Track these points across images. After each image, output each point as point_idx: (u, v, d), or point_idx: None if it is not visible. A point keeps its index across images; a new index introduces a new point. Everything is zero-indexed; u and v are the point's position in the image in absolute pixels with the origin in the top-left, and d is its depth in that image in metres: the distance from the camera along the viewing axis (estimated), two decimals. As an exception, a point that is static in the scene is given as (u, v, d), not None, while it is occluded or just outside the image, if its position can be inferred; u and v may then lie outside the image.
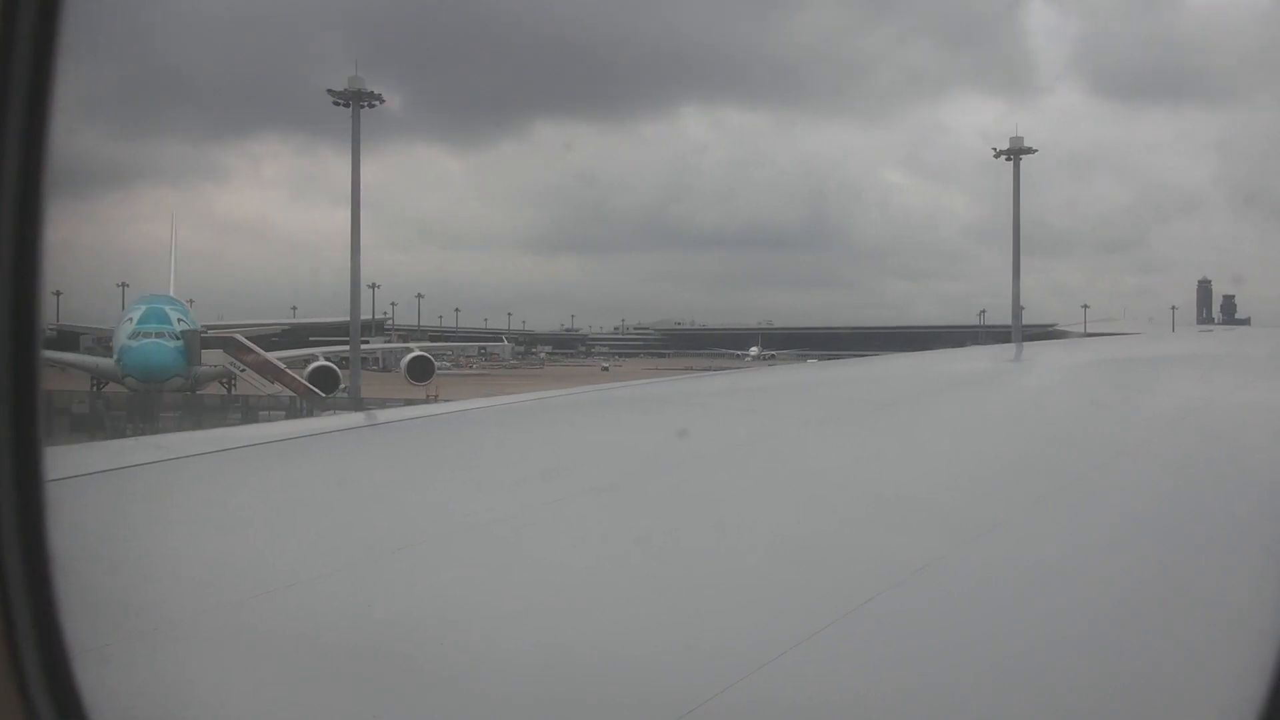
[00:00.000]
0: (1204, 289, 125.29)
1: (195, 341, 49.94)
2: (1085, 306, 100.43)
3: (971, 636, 2.10)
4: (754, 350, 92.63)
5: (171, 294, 70.37)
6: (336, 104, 53.54)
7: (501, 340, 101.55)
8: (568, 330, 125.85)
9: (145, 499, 3.13)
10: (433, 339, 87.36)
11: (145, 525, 2.79)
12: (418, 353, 58.90)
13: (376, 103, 53.12)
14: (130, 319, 48.56)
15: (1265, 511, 2.62)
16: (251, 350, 53.27)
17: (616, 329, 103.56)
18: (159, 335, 46.98)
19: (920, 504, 3.09)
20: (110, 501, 3.01)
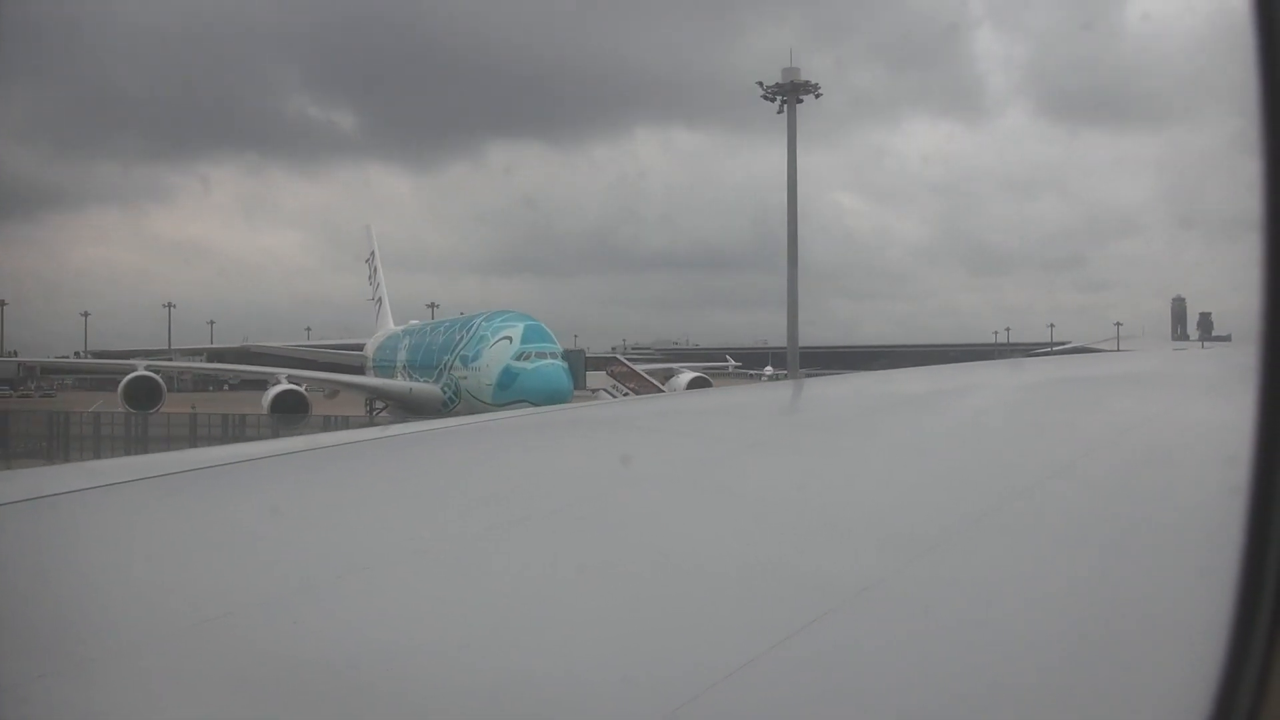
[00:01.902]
0: (1178, 306, 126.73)
1: (581, 363, 46.79)
2: (1119, 324, 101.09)
3: (914, 656, 2.12)
4: (769, 370, 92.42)
5: (378, 301, 71.91)
6: (767, 98, 51.12)
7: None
8: (571, 352, 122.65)
9: (71, 528, 3.04)
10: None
11: (71, 556, 2.71)
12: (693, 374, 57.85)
13: (817, 95, 51.31)
14: (504, 337, 42.12)
15: (1208, 522, 2.69)
16: (635, 373, 50.88)
17: (615, 349, 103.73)
18: (551, 356, 41.51)
19: (861, 525, 3.11)
20: (31, 531, 2.92)
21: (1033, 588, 2.51)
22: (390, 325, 67.27)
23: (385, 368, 58.20)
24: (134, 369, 51.56)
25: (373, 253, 75.79)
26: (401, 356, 55.37)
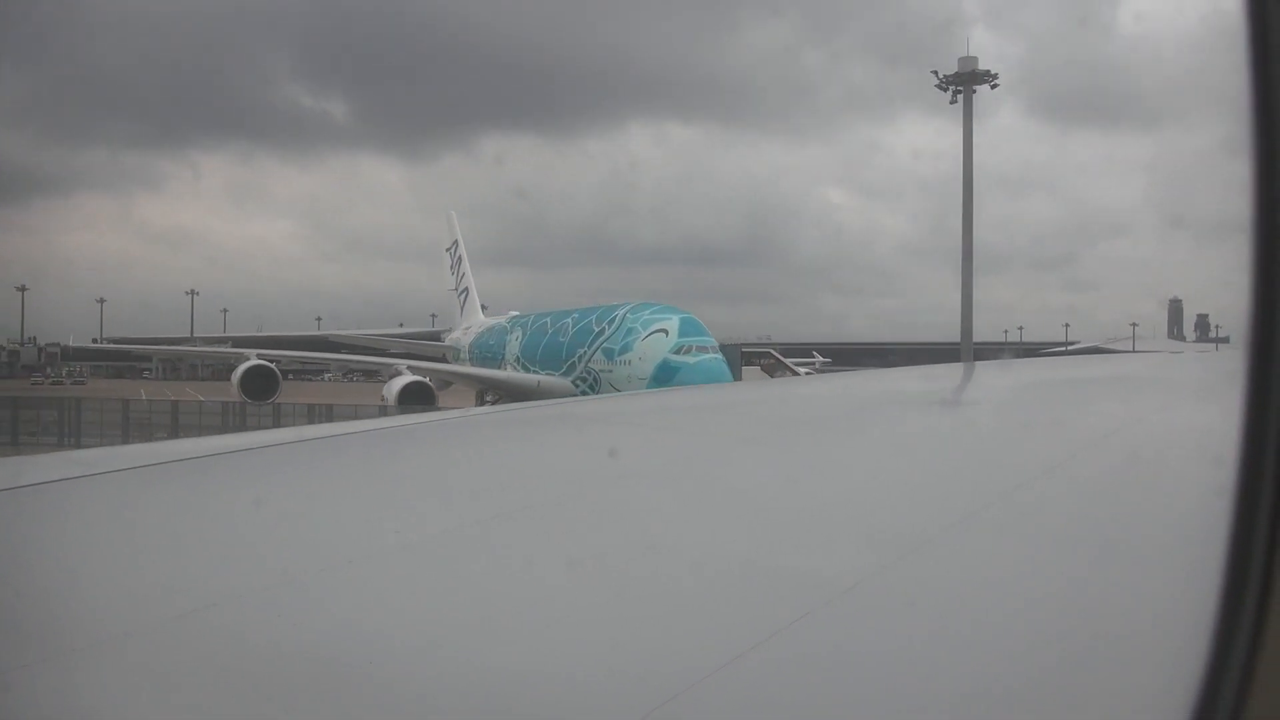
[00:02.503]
0: (1175, 307, 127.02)
1: (738, 358, 44.70)
2: (1134, 325, 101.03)
3: (901, 654, 2.12)
4: (818, 360, 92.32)
5: (464, 291, 69.80)
6: (941, 87, 49.59)
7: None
8: (726, 346, 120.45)
9: (57, 517, 3.02)
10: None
11: (54, 546, 2.69)
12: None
13: (993, 85, 49.87)
14: (659, 330, 39.75)
15: (1194, 523, 2.70)
16: (788, 367, 49.70)
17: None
18: (710, 350, 39.02)
19: (849, 523, 3.11)
20: (13, 520, 2.90)
21: (1020, 587, 2.52)
22: (481, 316, 65.67)
23: (488, 359, 56.38)
24: (247, 358, 50.04)
25: (455, 242, 72.46)
26: (513, 349, 53.31)
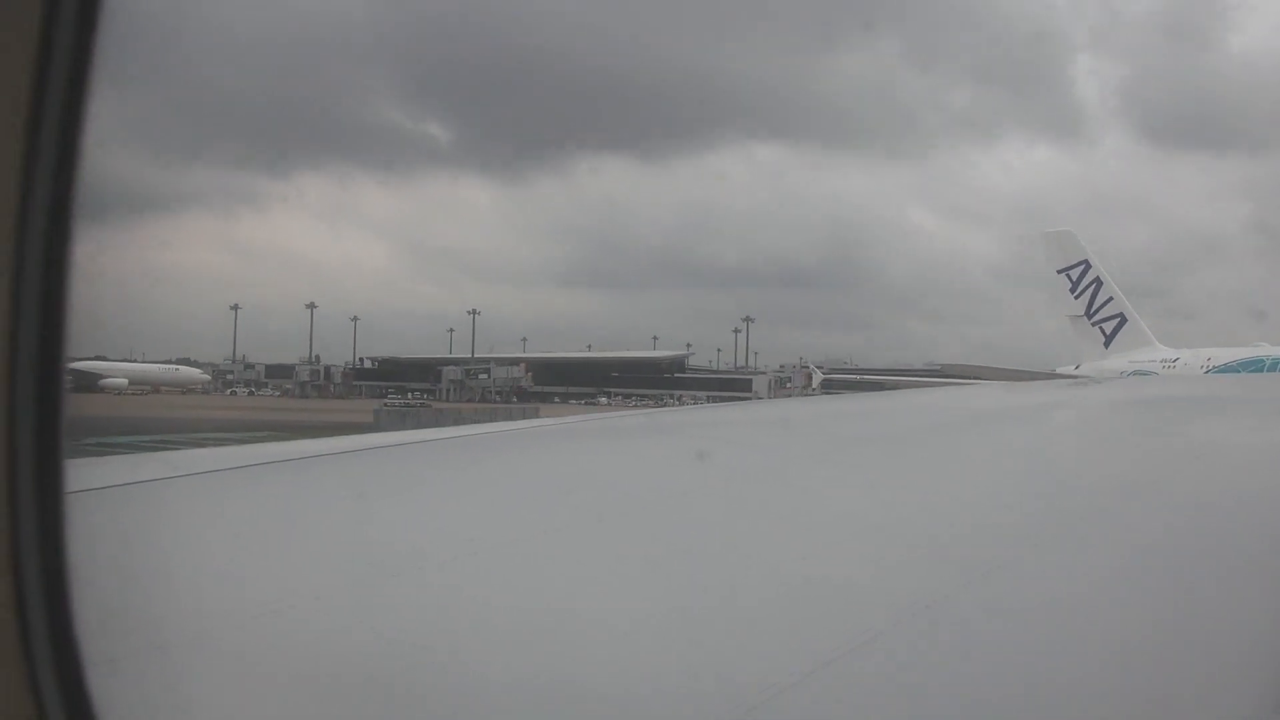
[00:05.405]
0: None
1: None
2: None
3: (976, 674, 2.11)
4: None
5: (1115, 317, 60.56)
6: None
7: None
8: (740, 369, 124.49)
9: (162, 513, 3.16)
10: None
11: (160, 539, 2.82)
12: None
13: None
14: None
15: (1273, 549, 2.62)
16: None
17: (784, 366, 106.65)
18: None
19: (927, 541, 3.08)
20: (127, 515, 3.05)
21: (1096, 608, 2.48)
22: (1157, 345, 58.00)
23: None
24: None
25: (1083, 262, 61.58)
26: None
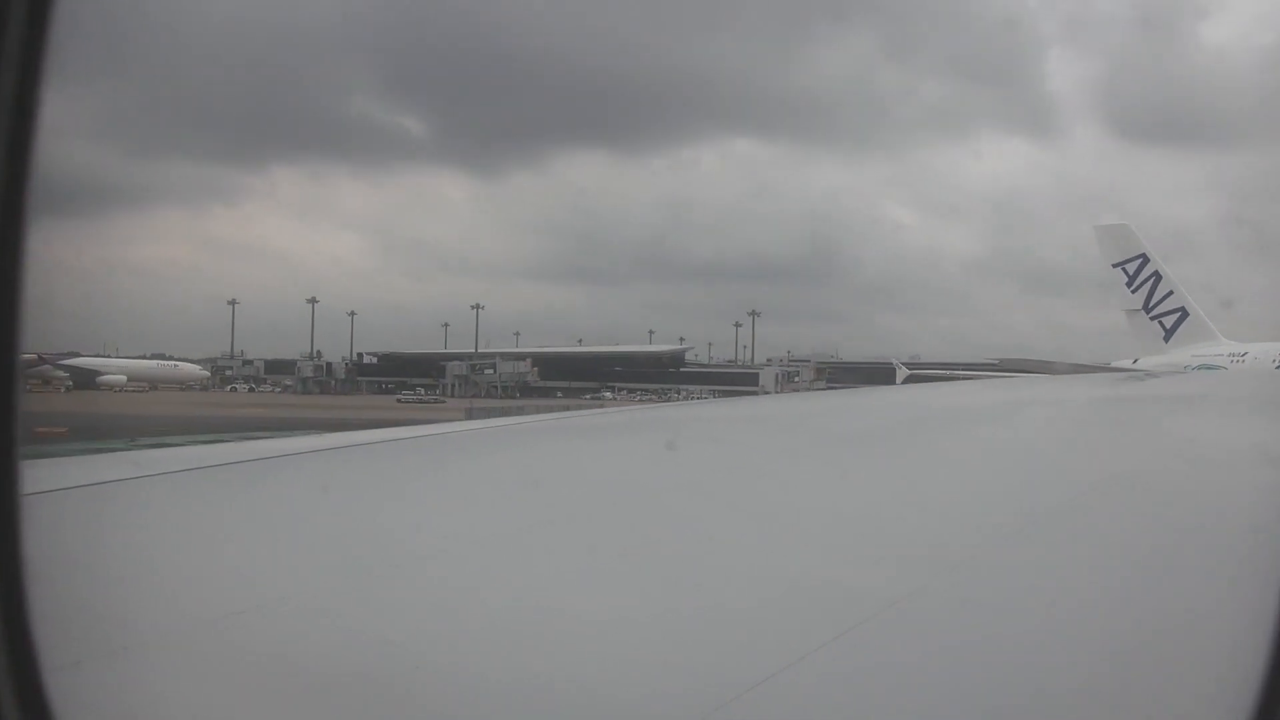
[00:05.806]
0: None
1: None
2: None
3: (944, 670, 2.09)
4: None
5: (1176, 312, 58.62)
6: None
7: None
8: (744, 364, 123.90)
9: (122, 515, 3.14)
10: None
11: (121, 541, 2.80)
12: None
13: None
14: None
15: (1254, 541, 2.60)
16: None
17: (771, 360, 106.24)
18: None
19: (898, 536, 3.07)
20: (86, 517, 3.02)
21: (1065, 602, 2.47)
22: (1221, 338, 55.11)
23: None
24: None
25: (1142, 255, 59.65)
26: None
